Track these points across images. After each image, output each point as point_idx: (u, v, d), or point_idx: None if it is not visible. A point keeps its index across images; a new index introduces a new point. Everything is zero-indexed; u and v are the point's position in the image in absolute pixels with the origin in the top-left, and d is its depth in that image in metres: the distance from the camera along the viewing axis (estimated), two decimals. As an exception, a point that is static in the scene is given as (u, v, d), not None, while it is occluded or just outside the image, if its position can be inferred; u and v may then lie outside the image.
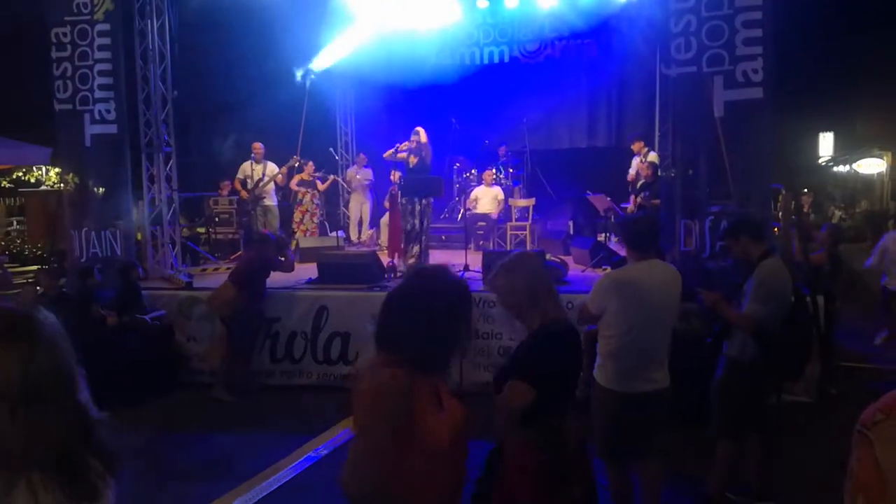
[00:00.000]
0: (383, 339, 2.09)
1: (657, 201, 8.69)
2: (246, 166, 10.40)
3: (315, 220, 11.29)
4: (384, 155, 9.58)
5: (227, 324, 6.93)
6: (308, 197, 11.14)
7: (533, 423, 2.56)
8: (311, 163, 11.25)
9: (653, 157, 10.11)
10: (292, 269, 7.56)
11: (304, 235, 10.80)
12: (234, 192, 11.71)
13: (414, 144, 8.98)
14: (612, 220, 10.28)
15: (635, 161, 10.82)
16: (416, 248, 8.54)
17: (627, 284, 3.68)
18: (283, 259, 7.44)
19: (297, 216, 11.06)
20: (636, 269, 3.72)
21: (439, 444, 1.98)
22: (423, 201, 8.64)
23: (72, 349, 1.42)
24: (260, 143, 10.53)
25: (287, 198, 11.44)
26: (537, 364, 2.59)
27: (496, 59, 13.18)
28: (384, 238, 10.50)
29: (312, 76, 11.59)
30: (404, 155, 9.04)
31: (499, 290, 2.80)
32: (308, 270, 8.31)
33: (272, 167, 10.49)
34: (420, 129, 9.09)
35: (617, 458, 3.80)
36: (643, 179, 10.03)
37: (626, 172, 11.06)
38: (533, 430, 2.56)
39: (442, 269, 2.26)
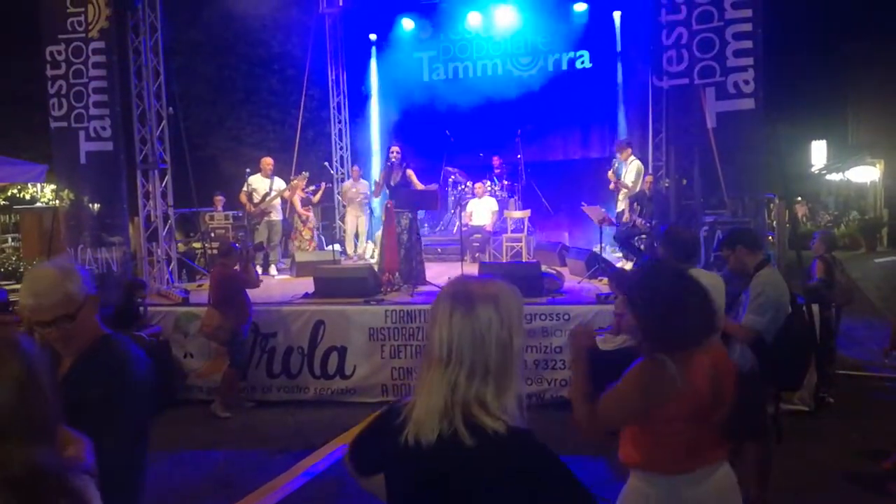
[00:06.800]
0: None
1: (652, 223, 8.70)
2: (253, 180, 10.33)
3: (313, 235, 11.32)
4: (375, 194, 9.51)
5: (227, 347, 6.88)
6: (311, 216, 11.19)
7: None
8: (304, 181, 11.17)
9: (637, 165, 10.07)
10: (257, 286, 7.26)
11: (308, 251, 10.83)
12: (227, 206, 11.71)
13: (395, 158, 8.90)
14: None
15: (623, 168, 10.72)
16: (403, 265, 8.43)
17: None
18: (246, 273, 7.08)
19: (306, 234, 11.08)
20: None
21: None
22: (409, 215, 8.56)
23: (47, 395, 1.40)
24: (270, 159, 10.50)
25: (286, 213, 11.42)
26: None
27: (489, 73, 13.30)
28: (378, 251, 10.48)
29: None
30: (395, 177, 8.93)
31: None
32: (304, 285, 8.31)
33: (279, 182, 10.45)
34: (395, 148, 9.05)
35: None
36: (643, 190, 9.96)
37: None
38: None
39: None
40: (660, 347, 2.33)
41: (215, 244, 11.10)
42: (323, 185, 11.88)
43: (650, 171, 10.59)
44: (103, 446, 1.83)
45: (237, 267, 7.00)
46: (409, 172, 8.79)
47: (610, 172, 10.28)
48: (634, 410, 2.35)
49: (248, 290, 6.96)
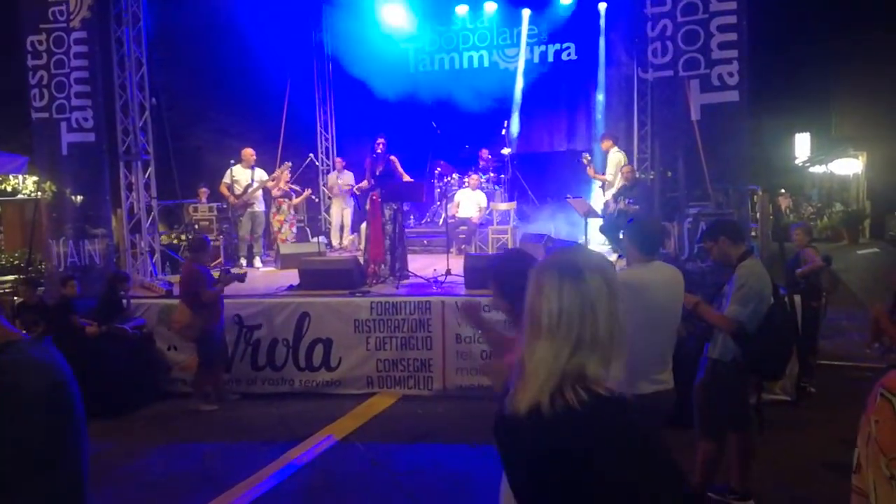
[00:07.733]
0: None
1: (636, 207, 8.73)
2: (235, 171, 10.20)
3: (293, 229, 11.20)
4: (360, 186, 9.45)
5: (197, 346, 6.80)
6: (286, 206, 11.05)
7: None
8: (287, 172, 11.04)
9: (617, 158, 10.08)
10: (214, 297, 6.66)
11: (283, 243, 10.74)
12: (212, 198, 11.62)
13: (380, 150, 8.86)
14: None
15: (611, 158, 10.70)
16: (387, 256, 8.39)
17: (630, 287, 3.58)
18: (216, 285, 6.70)
19: (275, 225, 10.96)
20: (640, 271, 3.66)
21: None
22: (394, 206, 8.51)
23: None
24: (251, 150, 10.38)
25: (266, 204, 11.32)
26: None
27: (476, 64, 13.29)
28: (363, 243, 10.43)
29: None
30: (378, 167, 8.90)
31: None
32: (289, 277, 8.28)
33: (261, 173, 10.34)
34: (381, 140, 9.02)
35: None
36: (624, 182, 10.01)
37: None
38: None
39: None
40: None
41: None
42: (308, 192, 11.71)
43: (634, 163, 10.57)
44: None
45: (220, 260, 6.92)
46: (393, 159, 8.78)
47: (589, 169, 10.27)
48: None
49: (226, 286, 6.84)
